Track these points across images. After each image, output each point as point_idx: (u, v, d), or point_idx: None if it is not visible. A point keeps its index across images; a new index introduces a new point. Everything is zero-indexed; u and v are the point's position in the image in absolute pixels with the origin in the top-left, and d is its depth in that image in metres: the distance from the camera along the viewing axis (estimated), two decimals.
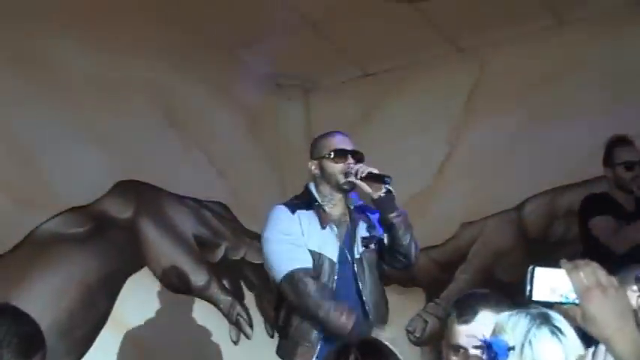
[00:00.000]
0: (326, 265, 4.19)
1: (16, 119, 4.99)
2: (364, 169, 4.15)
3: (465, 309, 3.20)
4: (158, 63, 5.78)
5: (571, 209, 5.42)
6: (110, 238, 5.38)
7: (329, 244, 4.21)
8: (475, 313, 3.13)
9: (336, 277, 4.17)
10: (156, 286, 5.57)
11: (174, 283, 5.67)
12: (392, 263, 4.34)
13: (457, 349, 3.11)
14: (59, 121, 5.21)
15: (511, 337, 2.63)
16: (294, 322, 4.19)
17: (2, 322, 2.67)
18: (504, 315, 2.71)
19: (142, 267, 5.53)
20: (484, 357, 2.87)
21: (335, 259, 4.19)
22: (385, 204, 4.16)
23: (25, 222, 4.96)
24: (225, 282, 5.96)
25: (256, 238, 6.10)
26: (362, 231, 4.28)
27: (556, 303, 1.82)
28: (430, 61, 6.39)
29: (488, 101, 6.22)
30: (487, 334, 2.91)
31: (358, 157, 4.27)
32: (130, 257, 5.50)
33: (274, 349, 5.15)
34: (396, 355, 2.75)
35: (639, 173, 5.01)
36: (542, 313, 2.64)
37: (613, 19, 5.82)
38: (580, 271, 1.80)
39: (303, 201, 4.33)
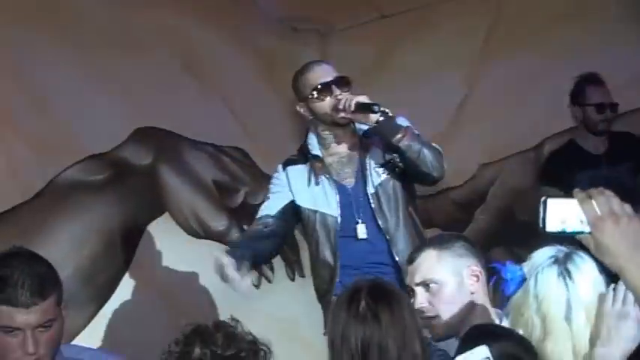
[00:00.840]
0: (327, 222, 4.04)
1: (35, 69, 5.00)
2: (351, 100, 3.92)
3: (414, 250, 3.30)
4: (174, 9, 5.75)
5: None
6: (130, 185, 5.41)
7: (326, 199, 4.04)
8: (420, 252, 3.19)
9: (340, 232, 4.01)
10: (177, 231, 5.60)
11: (195, 229, 5.70)
12: (419, 182, 4.13)
13: (409, 291, 3.13)
14: (77, 70, 5.22)
15: (526, 270, 2.70)
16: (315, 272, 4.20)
17: (17, 264, 2.73)
18: (537, 251, 2.75)
19: (162, 213, 5.56)
20: (491, 284, 3.02)
21: (335, 212, 4.02)
22: (384, 129, 3.93)
23: (45, 171, 5.01)
24: (245, 227, 5.77)
25: None
26: (376, 158, 4.05)
27: (570, 233, 1.81)
28: (446, 2, 6.32)
29: (505, 42, 6.14)
30: (428, 270, 3.09)
31: (343, 83, 4.04)
32: (150, 204, 5.52)
33: (295, 292, 5.19)
34: (407, 297, 2.80)
35: (609, 117, 4.97)
36: (566, 255, 2.68)
37: None
38: (593, 200, 1.77)
39: (301, 153, 4.19)
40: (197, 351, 2.40)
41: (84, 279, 5.05)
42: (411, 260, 3.21)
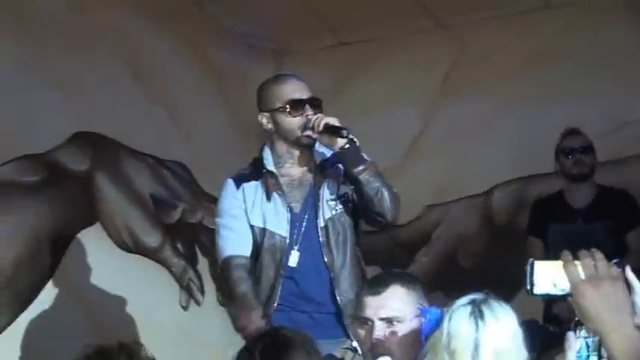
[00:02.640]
0: (275, 242, 3.83)
1: None
2: (320, 120, 3.74)
3: (377, 282, 3.30)
4: (126, 12, 5.65)
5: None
6: (64, 189, 5.27)
7: (276, 217, 3.84)
8: (386, 286, 3.20)
9: (289, 255, 3.81)
10: (107, 243, 5.48)
11: (126, 242, 5.58)
12: (369, 222, 3.95)
13: (365, 321, 3.17)
14: (19, 65, 5.09)
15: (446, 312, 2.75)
16: None
17: None
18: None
19: (94, 222, 5.43)
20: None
21: (285, 232, 3.83)
22: (348, 157, 3.75)
23: None
24: (179, 245, 5.86)
25: (214, 202, 6.06)
26: (331, 189, 3.86)
27: (555, 296, 1.81)
28: (410, 35, 6.26)
29: (465, 82, 6.11)
30: (396, 307, 3.15)
31: (316, 104, 3.86)
32: (83, 211, 5.39)
33: (223, 317, 5.07)
34: (303, 353, 2.74)
35: (579, 158, 5.00)
36: (483, 298, 2.74)
37: (598, 7, 5.76)
38: (578, 263, 1.75)
39: (254, 168, 3.97)
40: None
41: (5, 282, 4.91)
42: (375, 292, 3.18)
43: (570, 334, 2.07)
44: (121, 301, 5.39)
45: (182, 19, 6.01)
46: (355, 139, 3.76)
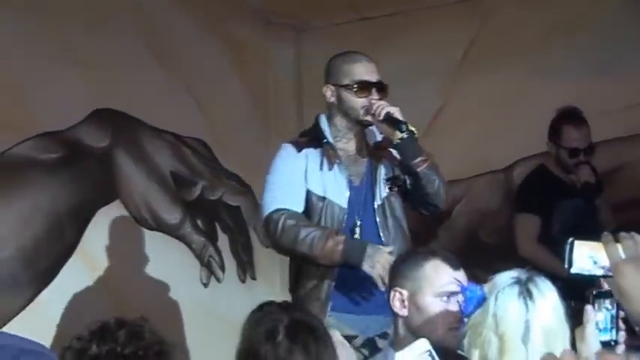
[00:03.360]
0: (334, 212, 3.84)
1: None
2: (382, 108, 3.81)
3: (450, 257, 3.26)
4: None
5: None
6: (83, 167, 5.26)
7: (337, 188, 3.86)
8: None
9: (350, 226, 3.83)
10: (127, 220, 5.48)
11: (146, 219, 5.59)
12: (418, 209, 4.01)
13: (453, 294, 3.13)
14: (39, 44, 5.05)
15: (487, 290, 2.68)
16: (303, 281, 3.87)
17: None
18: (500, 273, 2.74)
19: (114, 199, 5.42)
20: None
21: (344, 204, 3.84)
22: (405, 149, 3.82)
23: None
24: (199, 222, 5.87)
25: (234, 178, 6.08)
26: (386, 170, 3.93)
27: (595, 276, 1.85)
28: (430, 9, 6.29)
29: (486, 57, 6.11)
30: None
31: (382, 89, 3.93)
32: (103, 189, 5.38)
33: (244, 294, 5.07)
34: (327, 334, 2.71)
35: (583, 160, 4.90)
36: (528, 276, 2.66)
37: None
38: (619, 243, 1.79)
39: (312, 137, 3.99)
40: (94, 348, 2.31)
41: (25, 260, 4.89)
42: (457, 267, 3.20)
43: (589, 308, 2.05)
44: (141, 278, 5.41)
45: None
46: (415, 131, 3.81)
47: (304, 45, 6.72)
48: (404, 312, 3.13)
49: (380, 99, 3.88)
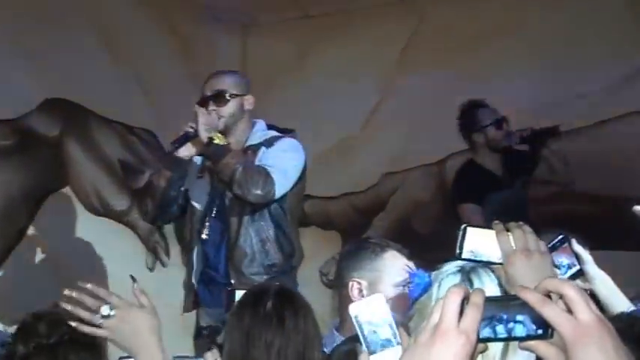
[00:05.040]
0: (196, 216, 4.20)
1: None
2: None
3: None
4: None
5: None
6: (34, 154, 5.34)
7: (199, 193, 4.19)
8: None
9: (207, 225, 4.15)
10: (76, 206, 5.55)
11: (95, 205, 5.66)
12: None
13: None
14: None
15: (433, 277, 2.66)
16: None
17: None
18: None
19: (64, 186, 5.50)
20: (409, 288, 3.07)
21: (201, 207, 4.18)
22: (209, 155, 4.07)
23: None
24: (149, 205, 5.89)
25: None
26: None
27: (483, 262, 1.89)
28: (370, 9, 6.39)
29: (422, 55, 6.24)
30: None
31: (216, 98, 4.15)
32: (53, 175, 5.46)
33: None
34: (308, 305, 2.79)
35: (509, 128, 5.03)
36: (472, 267, 2.74)
37: None
38: (510, 233, 1.83)
39: None
40: (21, 348, 2.37)
41: None
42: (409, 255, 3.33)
43: None
44: (89, 262, 5.45)
45: None
46: (214, 138, 3.99)
47: (251, 41, 6.78)
48: None
49: (214, 109, 4.13)
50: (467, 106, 5.11)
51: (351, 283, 3.22)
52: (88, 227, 5.58)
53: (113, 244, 5.70)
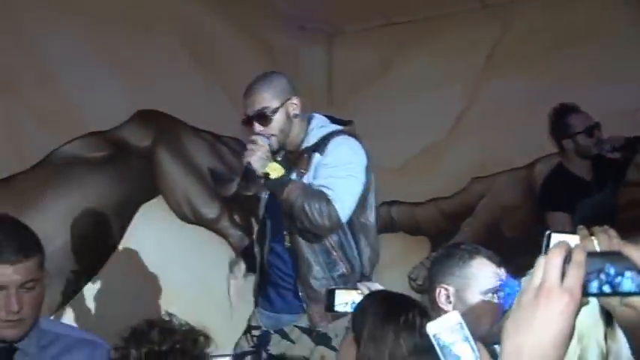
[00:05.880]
0: (267, 228, 4.17)
1: (44, 45, 4.96)
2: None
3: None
4: None
5: None
6: (127, 165, 5.39)
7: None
8: None
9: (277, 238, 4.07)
10: (168, 215, 5.61)
11: (187, 214, 5.73)
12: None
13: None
14: (86, 47, 5.18)
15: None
16: None
17: (2, 228, 2.80)
18: None
19: (155, 196, 5.57)
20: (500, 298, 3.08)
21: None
22: (271, 189, 3.96)
23: (45, 143, 4.97)
24: (236, 216, 5.99)
25: None
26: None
27: None
28: (455, 14, 6.37)
29: (508, 60, 6.20)
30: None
31: (259, 118, 3.93)
32: (145, 186, 5.52)
33: None
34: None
35: (600, 135, 4.94)
36: None
37: None
38: (594, 237, 1.82)
39: None
40: (134, 353, 2.41)
41: (72, 254, 5.02)
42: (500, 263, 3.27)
43: None
44: (183, 269, 5.52)
45: (238, 2, 6.10)
46: (270, 174, 3.82)
47: (336, 49, 6.80)
48: (448, 307, 3.12)
49: (261, 129, 3.91)
50: (559, 111, 5.04)
51: (438, 289, 3.20)
52: (180, 235, 5.64)
53: (204, 251, 5.77)
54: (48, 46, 4.99)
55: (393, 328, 2.51)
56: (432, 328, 1.59)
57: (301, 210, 3.75)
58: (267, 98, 3.93)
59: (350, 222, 3.91)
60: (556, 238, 1.84)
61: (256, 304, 4.17)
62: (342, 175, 3.83)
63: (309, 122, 4.05)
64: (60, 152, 5.04)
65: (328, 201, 3.75)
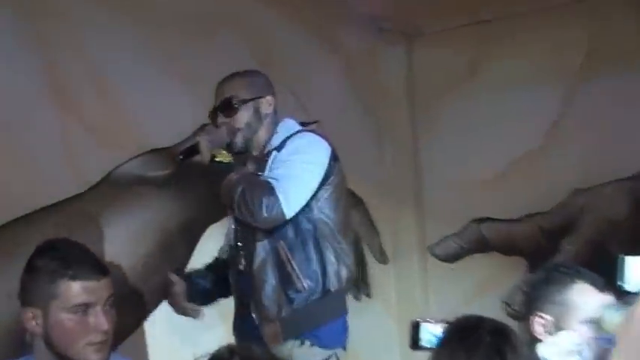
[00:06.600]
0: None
1: (103, 59, 4.87)
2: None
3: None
4: None
5: None
6: (192, 184, 5.21)
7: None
8: None
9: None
10: None
11: None
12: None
13: None
14: (147, 60, 5.06)
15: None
16: None
17: (69, 247, 2.95)
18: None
19: (221, 218, 5.23)
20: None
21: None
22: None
23: (104, 161, 4.86)
24: None
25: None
26: None
27: None
28: (547, 10, 6.15)
29: (609, 58, 5.96)
30: None
31: (223, 108, 3.99)
32: (212, 206, 5.18)
33: (359, 311, 4.97)
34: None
35: None
36: None
37: None
38: None
39: None
40: None
41: (137, 280, 4.89)
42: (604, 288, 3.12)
43: None
44: None
45: (311, 4, 6.01)
46: (219, 157, 3.95)
47: (416, 51, 6.70)
48: (544, 338, 3.00)
49: (225, 120, 3.94)
50: None
51: (533, 318, 3.08)
52: None
53: None
54: (108, 60, 4.89)
55: None
56: (542, 351, 1.54)
57: (241, 197, 3.67)
58: (236, 88, 3.93)
59: (313, 230, 3.74)
60: (630, 261, 1.92)
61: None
62: (292, 167, 3.71)
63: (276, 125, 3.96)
64: (120, 171, 4.92)
65: (271, 190, 3.61)
